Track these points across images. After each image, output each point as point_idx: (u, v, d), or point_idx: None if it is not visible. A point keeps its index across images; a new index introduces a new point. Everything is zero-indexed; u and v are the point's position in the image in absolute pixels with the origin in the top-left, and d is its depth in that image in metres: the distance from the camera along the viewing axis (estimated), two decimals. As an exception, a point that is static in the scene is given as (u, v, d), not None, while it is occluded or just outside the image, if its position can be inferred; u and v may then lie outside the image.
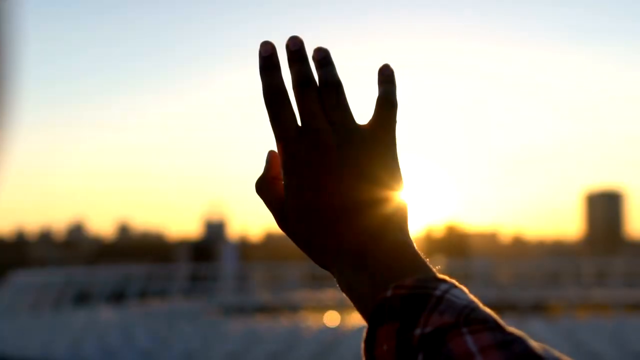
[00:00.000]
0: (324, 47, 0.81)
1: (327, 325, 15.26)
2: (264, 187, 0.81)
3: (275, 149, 0.80)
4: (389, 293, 0.68)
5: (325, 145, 0.77)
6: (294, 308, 18.83)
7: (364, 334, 0.68)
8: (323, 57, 0.80)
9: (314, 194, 0.76)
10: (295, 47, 0.80)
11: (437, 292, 0.66)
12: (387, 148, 0.79)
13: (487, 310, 0.66)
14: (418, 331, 0.64)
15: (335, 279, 0.76)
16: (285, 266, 24.20)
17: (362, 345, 0.68)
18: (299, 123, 0.79)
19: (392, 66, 0.83)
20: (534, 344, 0.62)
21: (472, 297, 0.68)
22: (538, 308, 18.55)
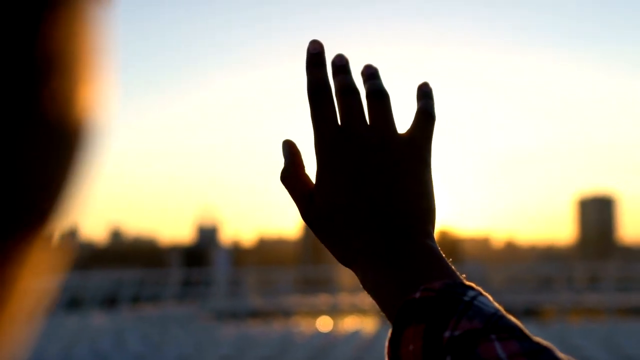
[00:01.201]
0: (374, 64, 0.84)
1: (319, 330, 15.24)
2: (289, 177, 0.81)
3: (291, 139, 0.82)
4: (417, 295, 0.69)
5: (364, 145, 0.78)
6: (286, 313, 18.81)
7: (389, 334, 0.69)
8: (372, 72, 0.83)
9: (348, 192, 0.77)
10: (340, 62, 0.83)
11: (466, 298, 0.67)
12: (424, 156, 0.80)
13: (513, 319, 0.67)
14: (447, 334, 0.64)
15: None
16: (278, 271, 24.24)
17: (387, 344, 0.69)
18: (340, 123, 0.80)
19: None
20: (561, 355, 0.63)
21: (497, 305, 0.69)
22: (530, 312, 18.58)
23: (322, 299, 20.12)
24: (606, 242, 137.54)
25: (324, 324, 16.40)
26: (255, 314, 19.00)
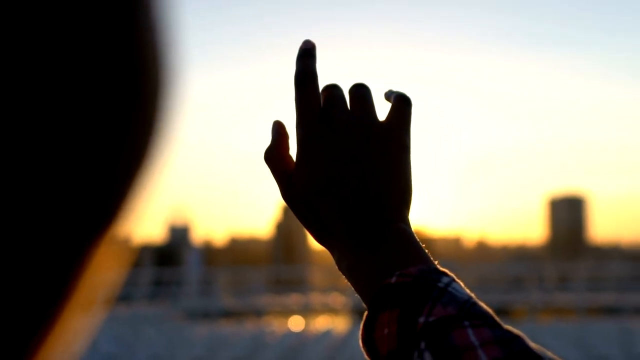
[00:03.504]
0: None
1: (291, 329, 15.24)
2: (272, 157, 0.82)
3: (281, 121, 0.84)
4: (393, 280, 0.70)
5: (344, 130, 0.79)
6: (258, 313, 18.80)
7: (364, 317, 0.70)
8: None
9: (326, 175, 0.78)
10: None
11: (440, 284, 0.69)
12: (403, 140, 0.81)
13: (485, 306, 0.69)
14: (422, 319, 0.66)
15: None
16: (250, 271, 24.18)
17: (361, 327, 0.70)
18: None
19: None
20: (531, 344, 0.64)
21: (469, 292, 0.70)
22: (501, 312, 18.66)
23: (294, 298, 20.13)
24: (576, 242, 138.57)
25: (296, 323, 16.41)
26: (227, 314, 18.97)
